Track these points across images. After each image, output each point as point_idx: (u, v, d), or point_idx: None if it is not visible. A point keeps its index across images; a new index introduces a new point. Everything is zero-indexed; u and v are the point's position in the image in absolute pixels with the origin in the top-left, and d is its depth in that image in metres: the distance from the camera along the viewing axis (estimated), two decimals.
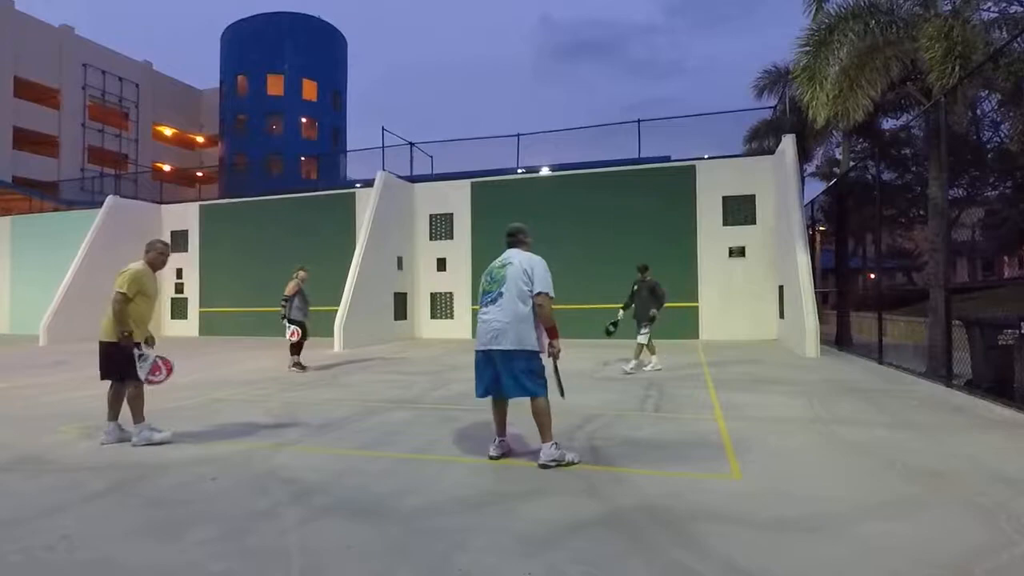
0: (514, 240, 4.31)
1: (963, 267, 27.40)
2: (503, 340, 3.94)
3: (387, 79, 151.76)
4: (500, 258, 4.23)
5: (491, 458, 4.11)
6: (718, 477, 3.73)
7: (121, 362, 4.61)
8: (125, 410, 4.71)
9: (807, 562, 2.52)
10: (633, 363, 8.60)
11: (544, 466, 3.89)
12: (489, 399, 4.21)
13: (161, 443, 4.62)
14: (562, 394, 4.22)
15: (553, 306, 4.03)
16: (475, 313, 16.55)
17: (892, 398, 6.50)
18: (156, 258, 4.87)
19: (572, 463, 3.95)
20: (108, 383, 4.80)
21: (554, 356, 4.06)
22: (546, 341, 4.04)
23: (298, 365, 9.41)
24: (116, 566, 2.58)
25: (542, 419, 3.99)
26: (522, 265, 4.05)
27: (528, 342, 3.96)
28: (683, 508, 3.15)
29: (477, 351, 4.15)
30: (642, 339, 8.54)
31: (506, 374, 3.96)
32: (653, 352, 8.69)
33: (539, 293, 3.96)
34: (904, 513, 3.07)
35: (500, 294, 4.01)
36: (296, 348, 9.51)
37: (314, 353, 12.38)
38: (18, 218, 22.19)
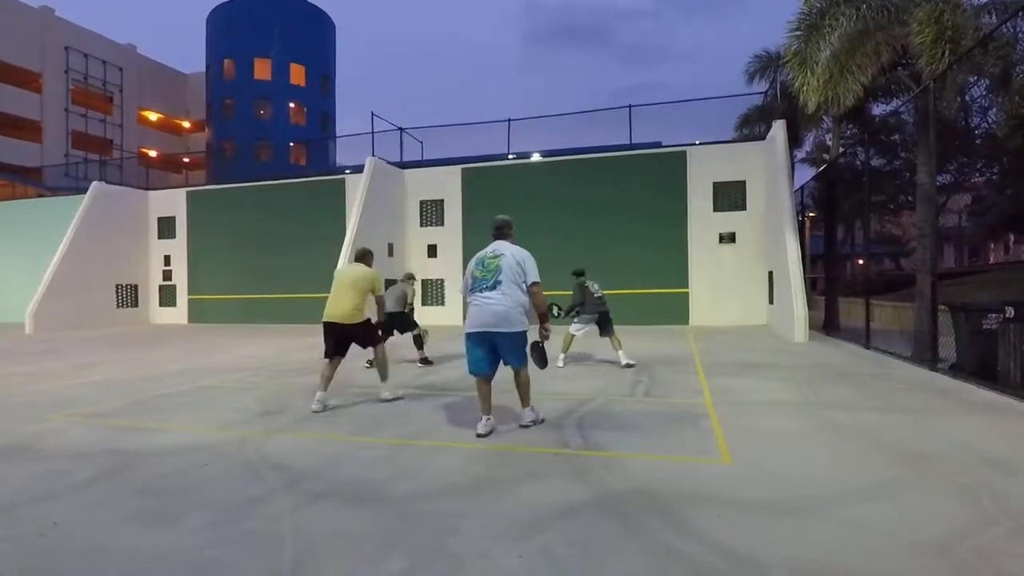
0: (501, 232, 4.74)
1: (950, 253, 27.69)
2: (506, 322, 4.35)
3: (374, 65, 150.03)
4: (490, 249, 4.59)
5: (479, 435, 4.35)
6: (707, 461, 3.77)
7: (365, 336, 5.94)
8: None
9: (794, 543, 2.56)
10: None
11: (525, 426, 4.58)
12: (474, 380, 4.60)
13: (399, 399, 5.91)
14: (544, 365, 4.88)
15: (544, 291, 4.48)
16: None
17: (879, 382, 6.58)
18: (372, 261, 6.17)
19: (543, 420, 4.73)
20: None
21: (545, 337, 4.61)
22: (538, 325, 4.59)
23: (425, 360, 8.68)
24: (108, 553, 2.58)
25: (525, 388, 4.65)
26: (515, 257, 4.47)
27: (524, 323, 4.46)
28: (672, 491, 3.18)
29: (471, 332, 4.44)
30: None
31: (507, 349, 4.45)
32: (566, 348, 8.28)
33: (535, 283, 4.46)
34: (890, 495, 3.12)
35: (498, 282, 4.38)
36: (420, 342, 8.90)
37: (305, 340, 12.34)
38: (1, 204, 21.85)
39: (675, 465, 3.68)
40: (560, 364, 7.95)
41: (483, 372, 4.51)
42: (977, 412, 5.04)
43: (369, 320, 5.94)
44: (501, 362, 4.56)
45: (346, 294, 5.70)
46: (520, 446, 4.15)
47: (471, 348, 4.51)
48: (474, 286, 4.49)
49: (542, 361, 4.82)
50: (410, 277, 9.28)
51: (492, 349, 4.47)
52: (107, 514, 3.00)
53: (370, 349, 6.04)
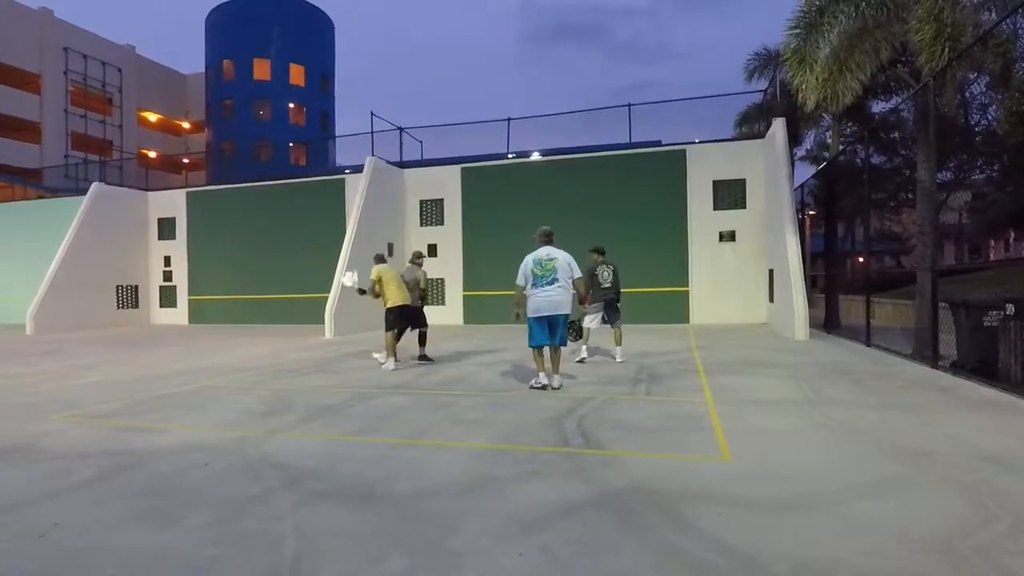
0: (548, 240, 6.29)
1: (950, 250, 27.65)
2: (564, 309, 6.09)
3: (373, 64, 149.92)
4: (544, 252, 6.15)
5: (542, 387, 6.09)
6: (708, 459, 3.77)
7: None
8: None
9: (794, 540, 2.56)
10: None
11: (555, 389, 6.08)
12: (530, 349, 6.36)
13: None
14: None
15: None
16: (466, 298, 16.66)
17: (879, 380, 6.58)
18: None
19: (562, 386, 6.19)
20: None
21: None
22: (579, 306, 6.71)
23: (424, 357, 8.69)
24: (109, 552, 2.58)
25: (560, 359, 6.31)
26: (565, 259, 6.14)
27: (570, 308, 6.17)
28: (673, 489, 3.18)
29: (540, 317, 6.06)
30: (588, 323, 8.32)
31: (561, 329, 6.14)
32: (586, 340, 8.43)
33: (579, 277, 6.29)
34: (891, 492, 3.12)
35: (556, 279, 6.04)
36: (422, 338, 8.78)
37: (305, 341, 12.34)
38: (1, 206, 21.86)
39: (676, 463, 3.68)
40: (585, 356, 8.16)
41: (544, 344, 6.13)
42: (978, 409, 5.04)
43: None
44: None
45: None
46: (521, 445, 4.15)
47: (536, 328, 6.08)
48: (535, 282, 6.08)
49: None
50: (419, 257, 9.23)
51: (549, 328, 6.06)
52: (108, 514, 3.01)
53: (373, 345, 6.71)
